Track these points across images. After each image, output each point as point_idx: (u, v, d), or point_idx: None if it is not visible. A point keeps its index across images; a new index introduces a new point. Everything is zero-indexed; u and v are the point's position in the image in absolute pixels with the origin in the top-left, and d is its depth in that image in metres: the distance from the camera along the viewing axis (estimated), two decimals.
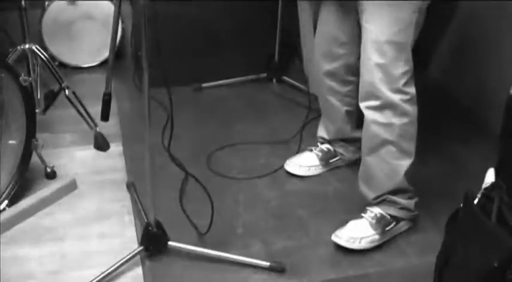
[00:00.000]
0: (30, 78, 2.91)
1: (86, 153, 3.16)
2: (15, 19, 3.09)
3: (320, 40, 2.79)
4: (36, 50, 3.11)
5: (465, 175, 2.93)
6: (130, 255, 2.42)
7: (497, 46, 3.38)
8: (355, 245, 2.53)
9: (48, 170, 2.93)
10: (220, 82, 3.81)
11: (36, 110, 3.13)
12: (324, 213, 2.78)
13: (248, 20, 3.74)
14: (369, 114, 2.51)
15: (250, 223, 2.71)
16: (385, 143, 2.50)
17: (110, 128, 3.26)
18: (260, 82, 3.87)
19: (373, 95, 2.46)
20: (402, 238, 2.64)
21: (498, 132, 1.89)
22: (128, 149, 3.17)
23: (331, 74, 2.79)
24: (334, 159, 3.05)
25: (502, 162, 2.00)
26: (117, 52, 3.96)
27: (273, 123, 3.48)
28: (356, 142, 2.83)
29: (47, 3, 3.81)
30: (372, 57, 2.42)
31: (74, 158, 3.13)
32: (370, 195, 2.60)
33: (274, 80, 3.89)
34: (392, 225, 2.60)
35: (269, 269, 2.44)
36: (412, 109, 2.48)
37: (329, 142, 3.03)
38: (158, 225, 2.43)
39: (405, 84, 2.43)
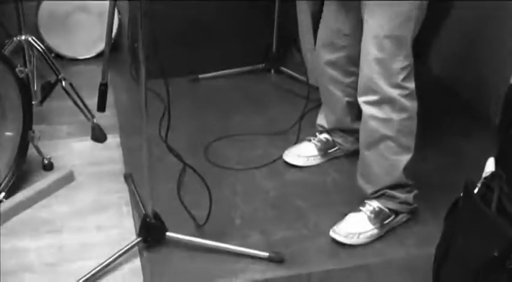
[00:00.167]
0: (27, 70, 2.89)
1: (83, 145, 3.14)
2: (11, 11, 3.07)
3: (323, 31, 2.78)
4: (32, 41, 3.09)
5: (465, 167, 2.91)
6: (128, 246, 2.40)
7: (496, 38, 3.37)
8: (354, 241, 2.53)
9: (46, 161, 2.91)
10: (218, 73, 3.80)
11: (33, 102, 3.13)
12: (322, 204, 2.77)
13: (245, 11, 3.72)
14: (367, 109, 2.49)
15: (248, 214, 2.70)
16: (383, 138, 2.48)
17: (107, 119, 3.25)
18: (258, 73, 3.86)
19: (371, 89, 2.44)
20: (402, 229, 2.64)
21: (495, 121, 1.89)
22: (125, 140, 3.16)
23: (332, 64, 2.78)
24: (333, 150, 3.04)
25: (501, 152, 1.99)
26: (114, 44, 3.95)
27: (271, 114, 3.47)
28: (355, 133, 2.81)
29: None
30: (370, 52, 2.40)
31: (71, 149, 3.11)
32: (369, 189, 2.59)
33: (272, 71, 3.87)
34: (391, 218, 2.59)
35: (268, 260, 2.43)
36: (411, 104, 2.46)
37: (328, 132, 3.02)
38: (156, 216, 2.41)
39: (404, 79, 2.41)
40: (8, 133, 2.79)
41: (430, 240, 2.23)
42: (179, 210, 2.67)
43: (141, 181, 2.54)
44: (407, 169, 2.53)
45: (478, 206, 1.92)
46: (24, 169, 2.81)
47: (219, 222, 2.60)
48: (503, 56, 3.28)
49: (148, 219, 2.41)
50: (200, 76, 3.78)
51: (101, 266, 2.34)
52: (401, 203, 2.59)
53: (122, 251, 2.39)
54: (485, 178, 1.97)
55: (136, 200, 2.67)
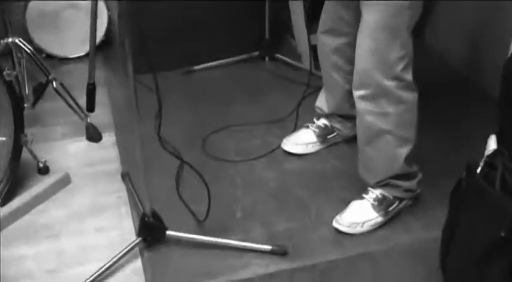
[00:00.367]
0: (15, 72, 2.85)
1: (79, 145, 3.10)
2: None
3: (325, 17, 2.72)
4: (20, 43, 3.03)
5: (467, 144, 2.87)
6: (128, 247, 2.37)
7: (493, 8, 3.31)
8: (357, 230, 2.49)
9: (41, 165, 2.87)
10: (212, 64, 3.74)
11: (25, 104, 3.10)
12: (324, 192, 2.73)
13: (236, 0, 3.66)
14: (362, 105, 2.43)
15: (249, 206, 2.66)
16: (382, 132, 2.43)
17: (101, 118, 3.21)
18: (252, 61, 3.80)
19: (366, 83, 2.38)
20: (407, 212, 2.60)
21: (493, 95, 1.85)
22: (120, 138, 3.12)
23: (336, 50, 2.73)
24: (332, 135, 2.99)
25: (502, 129, 1.96)
26: (105, 39, 3.91)
27: (267, 102, 3.42)
28: (354, 119, 2.73)
29: None
30: (365, 43, 2.35)
31: (66, 151, 3.08)
32: (371, 180, 2.55)
33: (266, 58, 3.81)
34: (395, 205, 2.55)
35: (271, 253, 2.39)
36: (408, 95, 2.39)
37: (326, 116, 2.98)
38: (155, 215, 2.38)
39: (402, 70, 2.34)
40: (0, 138, 2.75)
41: (435, 224, 2.20)
42: (179, 207, 2.63)
43: (138, 180, 2.49)
44: (409, 159, 2.48)
45: (482, 186, 1.89)
46: (19, 174, 2.77)
47: (220, 217, 2.57)
48: (500, 26, 3.23)
49: (147, 219, 2.37)
50: (194, 68, 3.72)
51: (102, 269, 2.31)
52: (405, 190, 2.55)
53: (122, 253, 2.35)
54: (487, 156, 1.93)
55: (134, 200, 2.63)
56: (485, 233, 1.87)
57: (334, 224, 2.50)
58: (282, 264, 2.35)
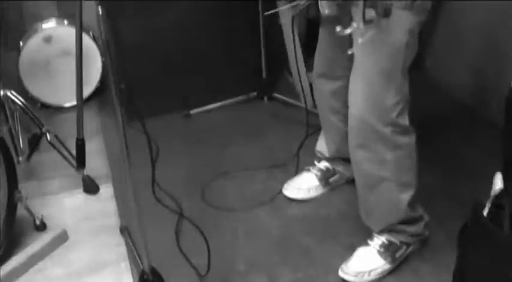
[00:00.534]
0: (8, 126, 2.81)
1: (76, 199, 3.04)
2: None
3: (320, 60, 2.67)
4: (11, 95, 3.00)
5: (472, 175, 2.86)
6: None
7: (492, 36, 3.28)
8: (365, 279, 2.42)
9: (37, 222, 2.81)
10: (209, 107, 3.72)
11: (20, 158, 3.06)
12: (329, 238, 2.67)
13: (230, 39, 3.64)
14: (358, 154, 2.37)
15: (252, 257, 2.59)
16: (381, 180, 2.36)
17: (98, 168, 3.18)
18: (251, 102, 3.77)
19: (362, 131, 2.31)
20: (414, 256, 2.53)
21: (500, 126, 1.81)
22: (118, 189, 3.05)
23: (333, 94, 2.67)
24: (334, 178, 2.94)
25: (508, 166, 1.91)
26: (101, 85, 3.88)
27: (268, 144, 3.38)
28: None
29: (21, 43, 3.71)
30: (359, 88, 2.28)
31: (63, 205, 3.01)
32: (375, 228, 2.49)
33: (265, 98, 3.78)
34: (402, 250, 2.48)
35: None
36: (405, 140, 2.32)
37: (328, 159, 2.93)
38: (154, 272, 2.31)
39: (398, 115, 2.26)
40: None
41: (445, 268, 2.15)
42: (180, 260, 2.57)
43: (137, 233, 2.44)
44: (412, 203, 2.41)
45: (489, 228, 1.85)
46: (15, 231, 2.71)
47: (223, 270, 2.51)
48: (501, 54, 3.19)
49: (145, 277, 2.30)
50: (191, 112, 3.69)
51: None
52: (412, 235, 2.48)
53: None
54: (494, 197, 1.89)
55: (134, 255, 2.57)
56: (495, 274, 1.83)
57: (340, 273, 2.43)
58: None
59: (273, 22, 3.55)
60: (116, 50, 3.54)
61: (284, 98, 3.71)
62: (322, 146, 2.92)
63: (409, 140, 2.33)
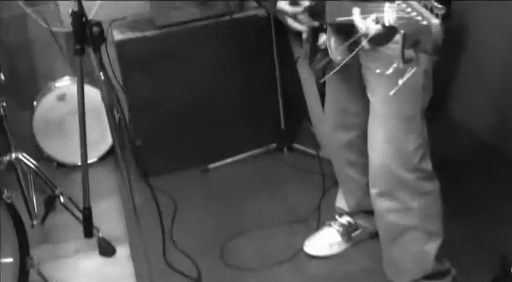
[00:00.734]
0: (14, 194, 2.78)
1: (91, 262, 3.00)
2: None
3: (330, 112, 2.63)
4: (23, 158, 2.99)
5: (499, 220, 2.80)
6: None
7: None
8: None
9: None
10: (228, 160, 3.67)
11: (34, 221, 3.03)
12: None
13: (246, 91, 3.61)
14: (382, 203, 2.33)
15: None
16: (406, 230, 2.31)
17: (115, 228, 3.15)
18: (270, 154, 3.72)
19: (385, 178, 2.27)
20: None
21: None
22: (135, 251, 3.00)
23: (347, 145, 2.62)
24: (357, 233, 2.87)
25: None
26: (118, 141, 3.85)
27: (288, 198, 3.32)
28: None
29: (35, 103, 3.72)
30: (379, 135, 2.25)
31: (77, 268, 2.98)
32: None
33: (285, 150, 3.74)
34: None
35: None
36: (430, 186, 2.29)
37: (349, 214, 2.86)
38: None
39: (420, 160, 2.24)
40: (6, 260, 2.65)
41: None
42: None
43: None
44: (439, 255, 2.34)
45: None
46: None
47: None
48: None
49: None
50: (210, 166, 3.65)
51: None
52: None
53: None
54: None
55: None
56: None
57: None
58: None
59: (289, 73, 3.51)
60: (132, 107, 3.55)
61: (305, 148, 3.66)
62: (341, 202, 2.86)
63: (434, 185, 2.29)
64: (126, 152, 3.87)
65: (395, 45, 1.89)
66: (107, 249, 3.01)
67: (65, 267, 2.97)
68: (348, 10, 1.98)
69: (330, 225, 2.88)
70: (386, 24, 1.66)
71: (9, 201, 2.56)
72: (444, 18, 1.47)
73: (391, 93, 1.74)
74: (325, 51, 2.21)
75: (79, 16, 2.02)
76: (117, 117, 3.74)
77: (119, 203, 3.43)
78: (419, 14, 1.48)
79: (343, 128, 2.59)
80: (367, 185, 2.65)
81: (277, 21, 3.22)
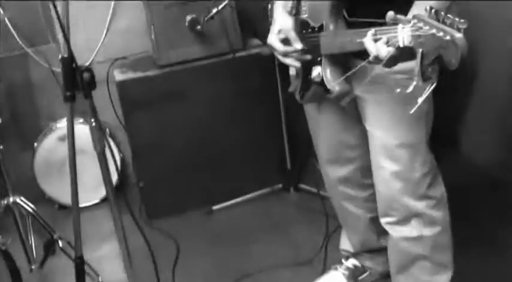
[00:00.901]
0: (9, 240, 2.76)
1: None
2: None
3: (325, 146, 2.62)
4: (20, 202, 2.96)
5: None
6: None
7: None
8: None
9: None
10: (232, 202, 3.64)
11: (33, 266, 3.00)
12: None
13: (250, 131, 3.60)
14: (394, 231, 2.33)
15: None
16: (417, 258, 2.31)
17: (115, 273, 3.09)
18: (276, 194, 3.70)
19: (394, 208, 2.28)
20: None
21: None
22: None
23: (345, 180, 2.61)
24: (364, 275, 2.83)
25: None
26: (120, 183, 3.83)
27: (294, 240, 3.28)
28: (385, 252, 2.60)
29: (36, 144, 3.71)
30: (384, 165, 2.25)
31: None
32: None
33: (291, 190, 3.71)
34: None
35: None
36: (441, 214, 2.29)
37: (354, 255, 2.82)
38: None
39: (429, 187, 2.24)
40: None
41: None
42: None
43: None
44: None
45: None
46: None
47: None
48: None
49: None
50: (214, 208, 3.62)
51: None
52: None
53: None
54: None
55: None
56: None
57: None
58: None
59: (294, 111, 3.49)
60: (134, 148, 3.55)
61: (311, 189, 3.62)
62: (345, 243, 2.83)
63: (444, 214, 2.31)
64: (128, 194, 3.88)
65: (399, 75, 1.92)
66: None
67: None
68: (345, 39, 2.02)
69: (335, 268, 2.85)
70: (401, 45, 1.69)
71: (3, 247, 2.53)
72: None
73: (412, 111, 1.76)
74: (320, 84, 2.22)
75: (69, 62, 2.00)
76: (119, 158, 3.75)
77: (117, 246, 3.39)
78: (441, 29, 1.52)
79: (339, 163, 2.57)
80: (370, 220, 2.64)
81: None
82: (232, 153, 3.59)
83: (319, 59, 2.22)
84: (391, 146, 2.21)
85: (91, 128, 2.16)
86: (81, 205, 3.79)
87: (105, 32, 3.67)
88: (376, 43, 1.79)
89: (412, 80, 1.70)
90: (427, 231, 2.27)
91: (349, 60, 2.15)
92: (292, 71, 2.46)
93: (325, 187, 3.31)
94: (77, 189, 2.10)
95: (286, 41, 2.24)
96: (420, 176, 2.22)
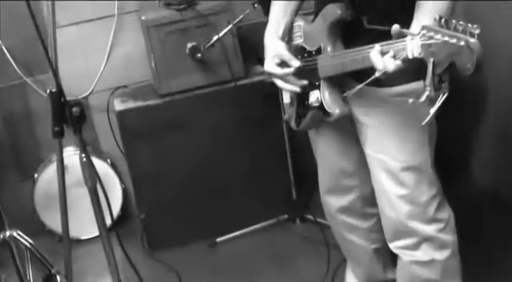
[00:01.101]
0: (4, 276, 2.75)
1: None
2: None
3: (324, 174, 2.61)
4: (17, 236, 2.95)
5: None
6: None
7: None
8: None
9: None
10: (237, 233, 3.61)
11: None
12: None
13: (254, 160, 3.57)
14: (404, 255, 2.31)
15: None
16: None
17: None
18: (281, 225, 3.66)
19: (403, 232, 2.26)
20: None
21: None
22: None
23: (345, 210, 2.59)
24: None
25: None
26: (122, 214, 3.81)
27: (300, 273, 3.25)
28: None
29: (36, 175, 3.70)
30: (389, 190, 2.23)
31: None
32: None
33: (297, 221, 3.67)
34: None
35: None
36: (451, 237, 2.28)
37: None
38: None
39: (437, 210, 2.23)
40: None
41: None
42: None
43: None
44: None
45: None
46: None
47: None
48: None
49: None
50: (217, 240, 3.59)
51: None
52: None
53: None
54: None
55: None
56: None
57: None
58: None
59: (299, 139, 3.47)
60: (135, 178, 3.53)
61: (318, 219, 3.58)
62: (351, 277, 2.79)
63: (453, 237, 2.30)
64: (130, 224, 3.86)
65: (400, 98, 1.91)
66: None
67: None
68: (346, 59, 2.04)
69: None
70: (410, 57, 1.71)
71: None
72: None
73: (424, 122, 1.78)
74: (318, 108, 2.22)
75: (57, 96, 1.99)
76: (120, 189, 3.73)
77: (124, 277, 3.37)
78: (453, 36, 1.55)
79: (340, 192, 2.56)
80: (375, 251, 2.62)
81: None
82: (235, 183, 3.56)
83: (317, 83, 2.23)
84: (396, 169, 2.19)
85: (82, 164, 2.15)
86: (84, 237, 3.80)
87: (105, 60, 3.67)
88: (383, 57, 1.80)
89: (418, 98, 1.72)
90: (438, 255, 2.26)
91: (347, 83, 2.15)
92: (286, 99, 2.47)
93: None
94: (67, 227, 2.09)
95: (283, 64, 2.25)
96: (428, 199, 2.21)
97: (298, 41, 2.35)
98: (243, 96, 3.42)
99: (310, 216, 3.64)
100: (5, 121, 3.69)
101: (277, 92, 3.35)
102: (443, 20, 1.60)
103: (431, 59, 1.62)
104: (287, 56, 2.23)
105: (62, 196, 2.09)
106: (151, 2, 3.43)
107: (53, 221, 3.74)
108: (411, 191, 2.20)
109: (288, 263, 3.34)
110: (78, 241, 3.76)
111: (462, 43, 1.51)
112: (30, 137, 3.77)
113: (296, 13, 2.38)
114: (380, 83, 1.97)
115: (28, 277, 3.03)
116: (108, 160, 3.75)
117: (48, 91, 2.05)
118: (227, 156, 3.52)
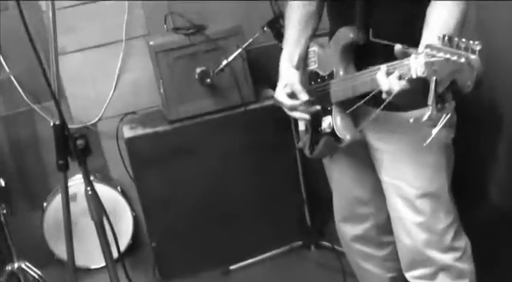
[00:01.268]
0: None
1: None
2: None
3: (339, 202, 2.60)
4: (26, 267, 2.95)
5: None
6: None
7: None
8: None
9: None
10: (250, 261, 3.58)
11: None
12: None
13: (267, 186, 3.56)
14: None
15: None
16: None
17: None
18: (296, 252, 3.63)
19: (420, 261, 2.23)
20: None
21: None
22: None
23: (360, 238, 2.57)
24: None
25: None
26: (133, 242, 3.80)
27: None
28: None
29: (45, 204, 3.70)
30: (406, 217, 2.21)
31: None
32: None
33: (312, 247, 3.65)
34: None
35: None
36: (468, 267, 2.24)
37: None
38: None
39: (454, 238, 2.20)
40: None
41: None
42: None
43: None
44: None
45: None
46: None
47: None
48: None
49: None
50: (231, 268, 3.57)
51: None
52: None
53: None
54: None
55: None
56: None
57: None
58: None
59: (312, 164, 3.45)
60: (145, 205, 3.51)
61: (334, 246, 3.54)
62: None
63: (471, 266, 2.27)
64: (141, 253, 3.84)
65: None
66: None
67: None
68: (356, 82, 2.05)
69: None
70: (414, 76, 1.70)
71: None
72: None
73: (425, 143, 1.76)
74: (330, 134, 2.23)
75: (60, 129, 1.98)
76: (131, 217, 3.71)
77: None
78: (455, 53, 1.55)
79: (355, 221, 2.54)
80: (391, 280, 2.59)
81: None
82: (248, 209, 3.55)
83: (329, 108, 2.23)
84: (412, 196, 2.17)
85: (87, 197, 2.14)
86: (94, 266, 3.78)
87: (113, 86, 3.67)
88: (388, 78, 1.80)
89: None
90: None
91: (359, 107, 2.12)
92: (301, 126, 2.46)
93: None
94: (73, 259, 2.09)
95: (293, 95, 2.25)
96: (445, 227, 2.19)
97: (312, 66, 2.35)
98: (253, 121, 3.42)
99: (326, 243, 3.61)
100: (12, 148, 3.70)
101: (288, 116, 3.35)
102: (446, 37, 1.60)
103: (434, 78, 1.62)
104: (297, 88, 2.22)
105: (67, 228, 2.11)
106: (159, 27, 3.43)
107: (62, 250, 3.71)
108: (428, 219, 2.18)
109: None
110: (88, 270, 3.75)
111: (463, 60, 1.52)
112: (38, 164, 3.77)
113: (311, 39, 2.37)
114: (395, 107, 1.97)
115: None
116: (118, 187, 3.74)
117: (52, 123, 2.04)
118: (239, 182, 3.51)
